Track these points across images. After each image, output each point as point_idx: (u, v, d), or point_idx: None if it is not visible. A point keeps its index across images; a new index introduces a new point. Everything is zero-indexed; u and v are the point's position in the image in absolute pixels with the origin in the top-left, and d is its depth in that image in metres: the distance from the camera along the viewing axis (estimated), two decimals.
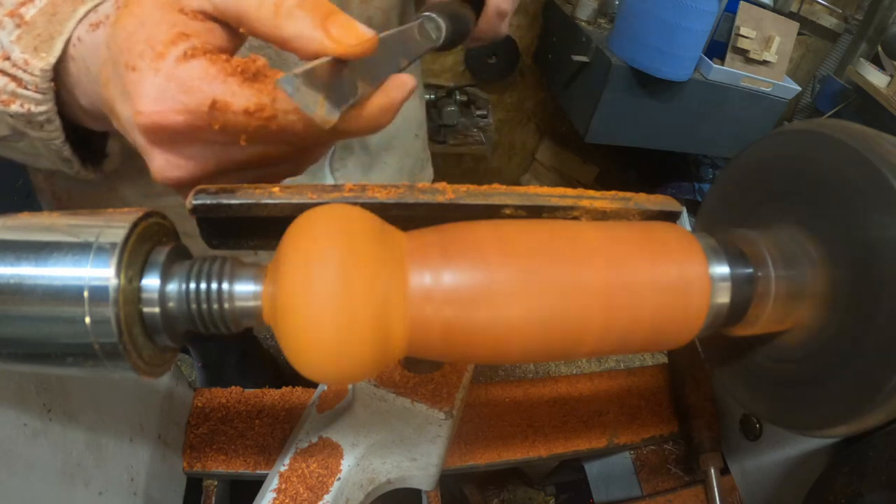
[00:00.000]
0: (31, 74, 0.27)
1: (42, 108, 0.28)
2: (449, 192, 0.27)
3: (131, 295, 0.21)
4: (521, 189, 0.29)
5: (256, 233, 0.27)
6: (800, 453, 0.48)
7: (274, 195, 0.25)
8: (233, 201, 0.25)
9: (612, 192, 0.30)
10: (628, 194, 0.31)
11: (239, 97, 0.23)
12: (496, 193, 0.28)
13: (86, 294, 0.20)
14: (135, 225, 0.21)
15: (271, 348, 1.01)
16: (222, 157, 0.25)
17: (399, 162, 0.68)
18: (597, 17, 1.59)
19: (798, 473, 0.48)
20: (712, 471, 0.54)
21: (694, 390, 0.59)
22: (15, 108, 0.28)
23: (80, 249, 0.20)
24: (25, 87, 0.27)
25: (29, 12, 0.28)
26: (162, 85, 0.22)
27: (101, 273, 0.20)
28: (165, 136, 0.24)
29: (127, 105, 0.23)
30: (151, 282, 0.22)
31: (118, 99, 0.24)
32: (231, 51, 0.26)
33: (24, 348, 0.21)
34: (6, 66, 0.27)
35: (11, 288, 0.20)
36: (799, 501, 0.42)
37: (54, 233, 0.21)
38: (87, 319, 0.20)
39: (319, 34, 0.23)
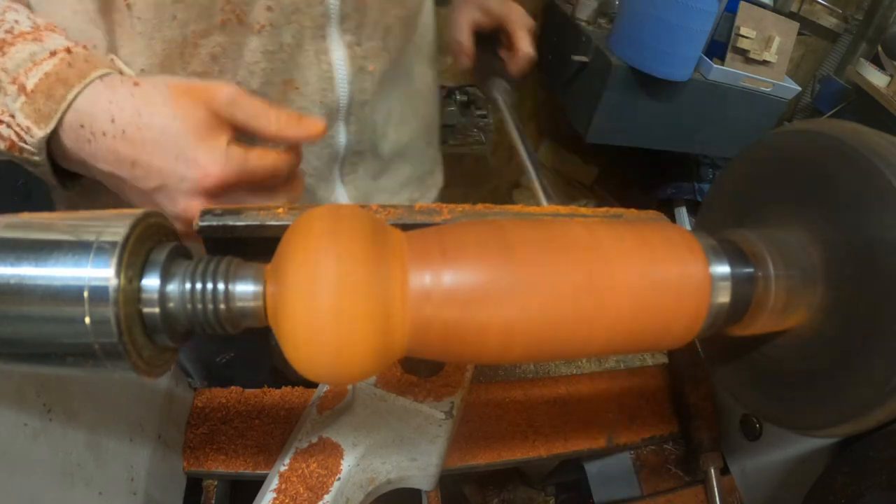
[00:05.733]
0: (32, 138, 0.33)
1: (36, 159, 0.35)
2: (445, 213, 0.28)
3: (131, 295, 0.21)
4: (515, 208, 0.30)
5: (261, 252, 0.27)
6: (800, 453, 0.48)
7: (278, 216, 0.26)
8: (238, 223, 0.25)
9: (604, 209, 0.32)
10: (619, 210, 0.32)
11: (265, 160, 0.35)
12: (490, 213, 0.29)
13: (86, 294, 0.20)
14: (135, 225, 0.21)
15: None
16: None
17: (410, 169, 0.68)
18: (597, 17, 1.58)
19: (798, 473, 0.48)
20: (712, 471, 0.54)
21: (694, 390, 0.59)
22: (15, 152, 0.35)
23: (80, 249, 0.20)
24: (25, 143, 0.34)
25: (30, 82, 0.33)
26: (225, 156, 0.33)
27: (101, 273, 0.20)
28: (220, 190, 0.33)
29: (191, 168, 0.32)
30: (151, 282, 0.22)
31: (175, 162, 0.33)
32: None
33: (24, 348, 0.21)
34: (11, 122, 0.34)
35: (12, 288, 0.20)
36: (799, 501, 0.42)
37: (54, 233, 0.21)
38: (87, 319, 0.20)
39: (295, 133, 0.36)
